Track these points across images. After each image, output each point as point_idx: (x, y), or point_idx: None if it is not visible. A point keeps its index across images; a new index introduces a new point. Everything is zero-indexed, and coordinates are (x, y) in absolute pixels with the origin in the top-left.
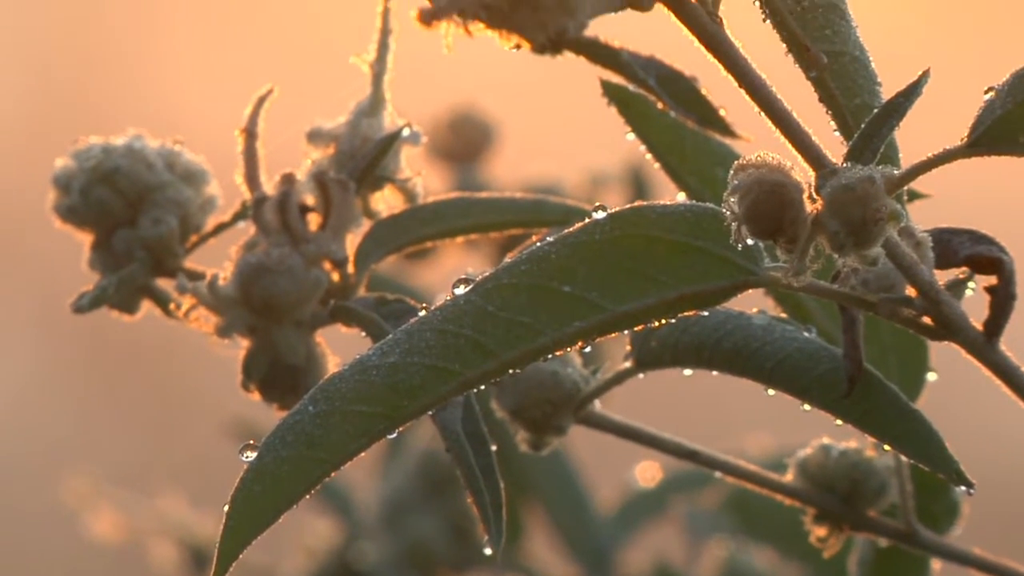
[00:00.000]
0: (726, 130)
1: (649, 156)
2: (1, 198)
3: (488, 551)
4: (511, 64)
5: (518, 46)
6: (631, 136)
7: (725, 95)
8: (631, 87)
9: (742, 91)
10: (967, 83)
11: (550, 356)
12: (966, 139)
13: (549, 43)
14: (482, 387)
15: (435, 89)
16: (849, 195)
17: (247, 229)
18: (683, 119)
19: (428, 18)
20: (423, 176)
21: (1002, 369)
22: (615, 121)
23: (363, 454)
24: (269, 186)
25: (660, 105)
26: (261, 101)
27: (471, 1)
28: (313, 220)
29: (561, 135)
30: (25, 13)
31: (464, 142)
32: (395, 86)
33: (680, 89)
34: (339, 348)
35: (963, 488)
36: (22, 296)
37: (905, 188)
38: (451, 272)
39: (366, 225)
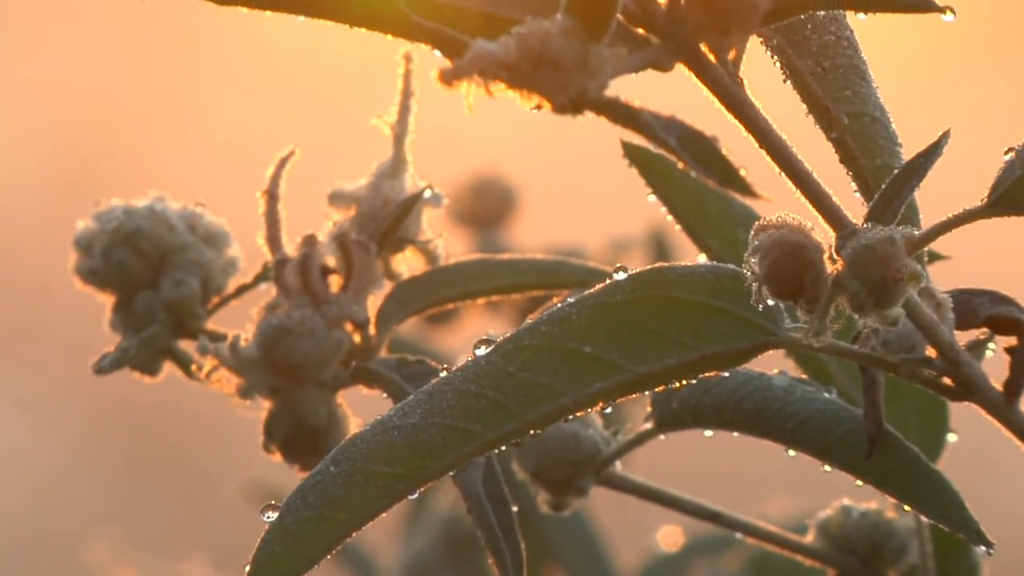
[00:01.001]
0: (746, 190)
1: (670, 217)
2: (27, 262)
3: None
4: (533, 126)
5: (539, 106)
6: (652, 197)
7: (746, 155)
8: (652, 148)
9: (763, 151)
10: (987, 144)
11: (571, 417)
12: (986, 199)
13: (570, 103)
14: (503, 448)
15: (457, 152)
16: (869, 255)
17: (269, 291)
18: (704, 179)
19: (449, 78)
20: (444, 238)
21: (1022, 429)
22: (637, 182)
23: (384, 516)
24: (291, 248)
25: (681, 165)
26: (283, 163)
27: (491, 61)
28: (335, 281)
29: (583, 198)
30: (49, 74)
31: (486, 207)
32: (417, 148)
33: (701, 149)
34: (361, 409)
35: (983, 548)
36: (45, 362)
37: (925, 249)
38: (473, 336)
39: (387, 286)
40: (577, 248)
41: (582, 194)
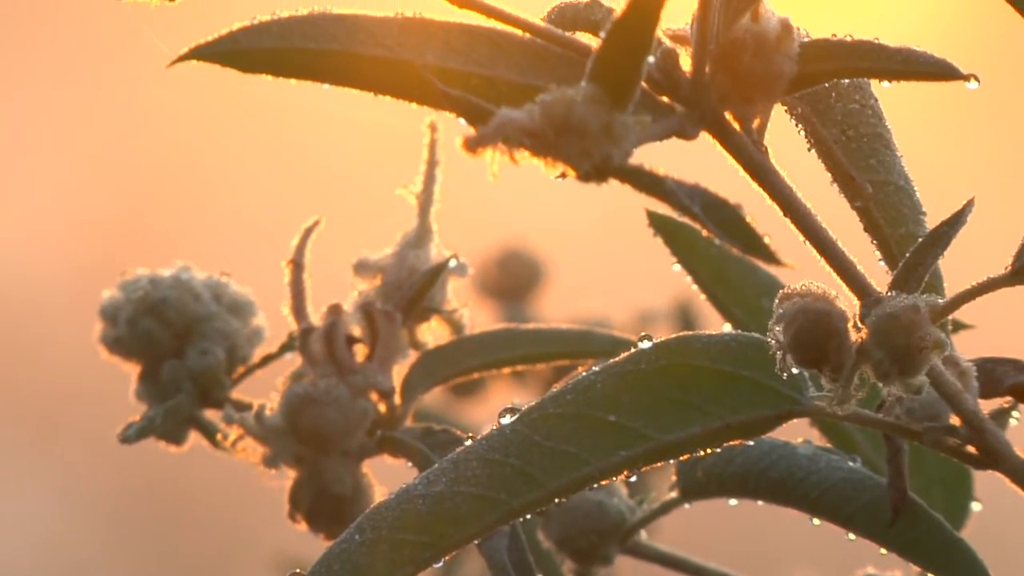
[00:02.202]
0: (771, 257)
1: (695, 287)
2: (55, 332)
3: None
4: (558, 196)
5: (563, 175)
6: (677, 266)
7: (770, 223)
8: (677, 217)
9: (787, 219)
10: (1011, 212)
11: (596, 486)
12: (1009, 268)
13: (594, 171)
14: (528, 516)
15: (483, 222)
16: (894, 323)
17: (294, 360)
18: (728, 247)
19: (473, 145)
20: (470, 307)
21: None
22: (662, 251)
23: None
24: (316, 317)
25: (705, 233)
26: (308, 232)
27: (516, 128)
28: (360, 351)
29: (610, 269)
30: (73, 143)
31: (513, 280)
32: (442, 218)
33: (725, 217)
34: (386, 479)
35: None
36: (65, 431)
37: (949, 317)
38: (498, 406)
39: (413, 356)
40: (603, 320)
41: (608, 265)
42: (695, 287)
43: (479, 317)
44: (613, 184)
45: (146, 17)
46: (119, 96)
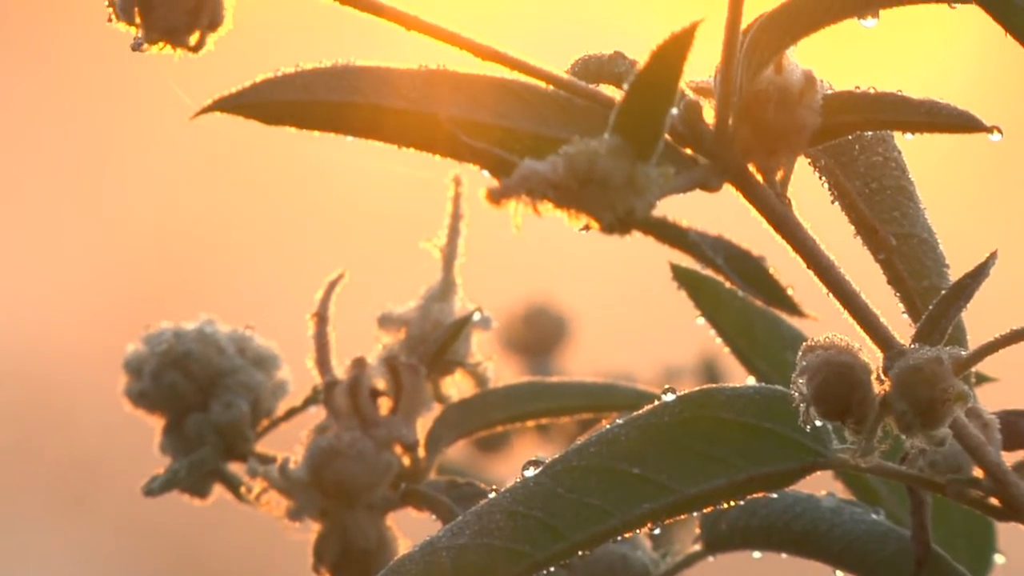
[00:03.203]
0: (794, 309)
1: (719, 340)
2: (83, 401)
3: None
4: (582, 249)
5: (587, 227)
6: (701, 320)
7: (793, 274)
8: (701, 271)
9: (811, 272)
10: None
11: (620, 538)
12: None
13: (617, 223)
14: (552, 569)
15: (507, 275)
16: (917, 375)
17: (318, 414)
18: (752, 301)
19: (496, 197)
20: (494, 360)
21: None
22: (687, 304)
23: None
24: (340, 370)
25: (728, 285)
26: (332, 286)
27: (539, 180)
28: (384, 404)
29: (634, 323)
30: (99, 197)
31: (539, 336)
32: (466, 271)
33: (748, 268)
34: (410, 531)
35: None
36: (94, 495)
37: (972, 369)
38: (523, 460)
39: (437, 409)
40: (629, 375)
41: (633, 319)
42: (719, 340)
43: (505, 372)
44: (636, 236)
45: (169, 69)
46: (140, 149)
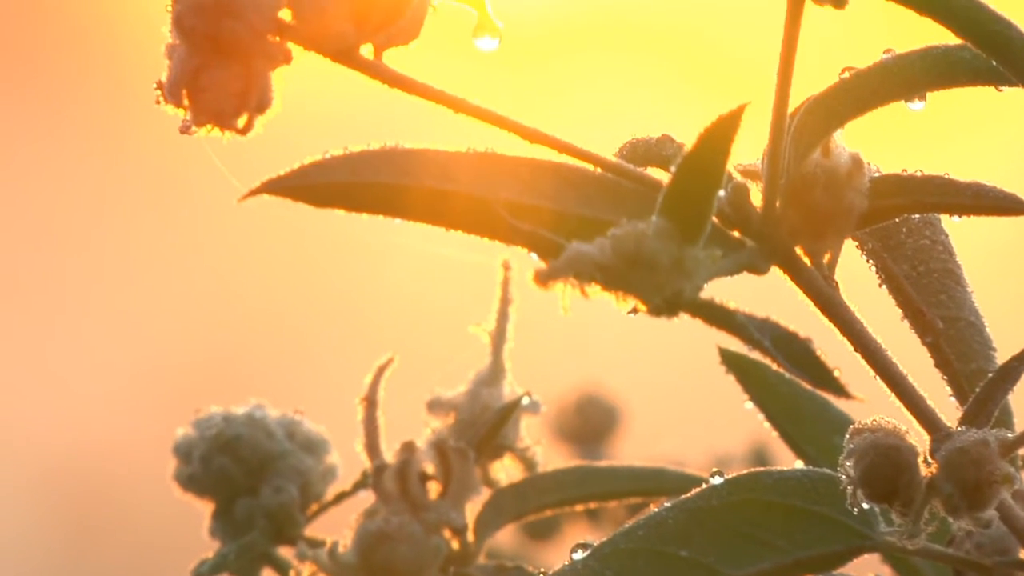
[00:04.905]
0: (840, 391)
1: (767, 424)
2: (140, 491)
3: None
4: (631, 333)
5: (635, 309)
6: (749, 404)
7: (840, 357)
8: (749, 354)
9: (858, 354)
10: None
11: None
12: None
13: (665, 305)
14: None
15: (556, 360)
16: (963, 458)
17: (367, 498)
18: (800, 385)
19: (544, 279)
20: (543, 446)
21: None
22: (736, 388)
23: None
24: (389, 454)
25: (775, 367)
26: (381, 370)
27: (587, 262)
28: (433, 488)
29: (684, 409)
30: (149, 286)
31: (589, 425)
32: (514, 355)
33: (795, 350)
34: None
35: None
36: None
37: (1019, 452)
38: (571, 546)
39: (486, 493)
40: (679, 463)
41: (683, 405)
42: (767, 424)
43: (556, 460)
44: (684, 318)
45: (218, 151)
46: (189, 232)
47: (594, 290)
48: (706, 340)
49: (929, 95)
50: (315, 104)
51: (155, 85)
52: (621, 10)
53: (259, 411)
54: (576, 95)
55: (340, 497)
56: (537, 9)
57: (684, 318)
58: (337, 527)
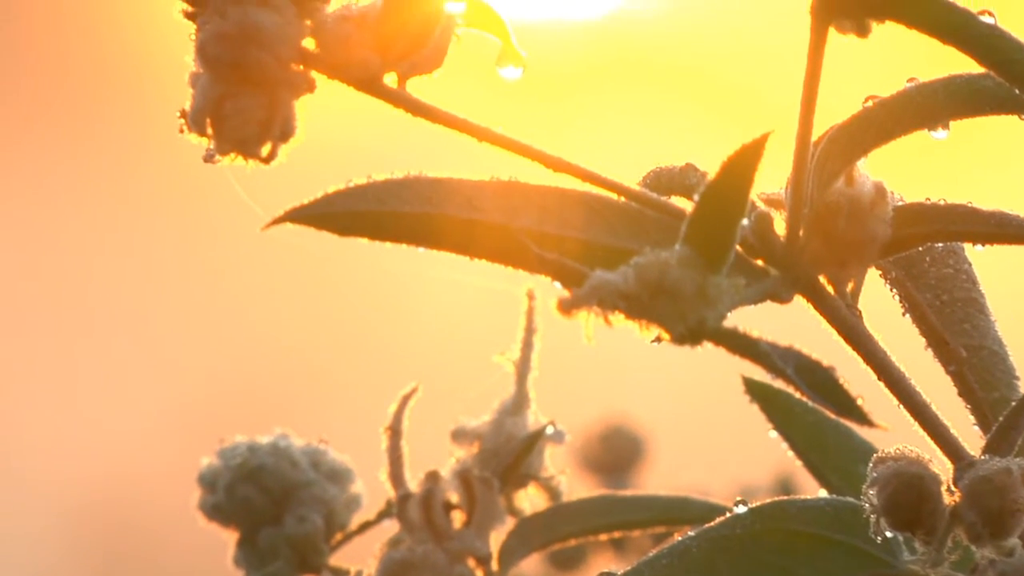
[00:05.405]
0: (864, 419)
1: (791, 453)
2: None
3: None
4: (655, 362)
5: (658, 338)
6: (773, 434)
7: (864, 385)
8: (772, 383)
9: (881, 383)
10: None
11: None
12: None
13: (688, 334)
14: None
15: (580, 389)
16: (987, 486)
17: (391, 527)
18: (823, 415)
19: (568, 307)
20: (567, 475)
21: None
22: (760, 417)
23: None
24: (414, 483)
25: (799, 395)
26: (405, 399)
27: (610, 291)
28: (457, 517)
29: (709, 437)
30: (174, 318)
31: (615, 455)
32: (539, 384)
33: (818, 379)
34: None
35: None
36: None
37: None
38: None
39: (510, 523)
40: (704, 493)
41: (708, 433)
42: (791, 454)
43: (581, 491)
44: (708, 347)
45: (241, 179)
46: (212, 263)
47: (618, 318)
48: (730, 369)
49: (952, 123)
50: (339, 133)
51: (179, 114)
52: (645, 45)
53: (283, 440)
54: (600, 130)
55: (364, 526)
56: (561, 45)
57: (707, 347)
58: (361, 556)
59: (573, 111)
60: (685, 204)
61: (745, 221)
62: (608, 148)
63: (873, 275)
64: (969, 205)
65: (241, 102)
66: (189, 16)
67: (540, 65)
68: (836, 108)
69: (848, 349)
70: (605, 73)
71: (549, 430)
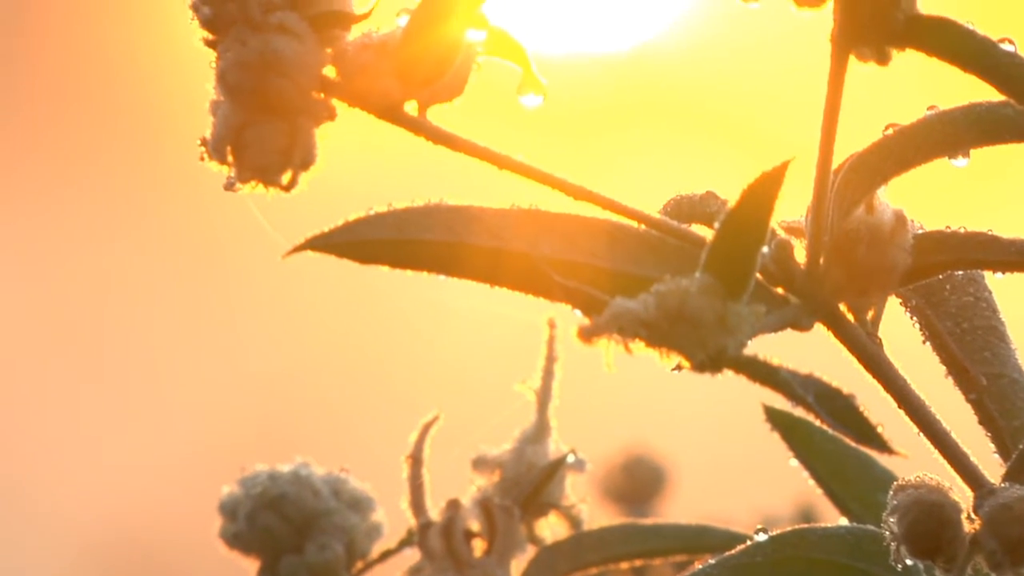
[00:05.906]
0: (884, 447)
1: (811, 481)
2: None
3: None
4: (676, 390)
5: (679, 366)
6: (794, 462)
7: (884, 413)
8: (793, 412)
9: (901, 411)
10: None
11: None
12: None
13: (709, 361)
14: None
15: (601, 418)
16: (1007, 514)
17: (413, 556)
18: (844, 443)
19: (588, 335)
20: (588, 503)
21: None
22: (781, 445)
23: None
24: (435, 512)
25: (819, 423)
26: (426, 428)
27: (631, 319)
28: (478, 546)
29: (730, 465)
30: (195, 348)
31: (637, 485)
32: (560, 413)
33: (838, 407)
34: None
35: None
36: None
37: None
38: None
39: (531, 551)
40: (726, 523)
41: (729, 462)
42: (812, 482)
43: (602, 521)
44: (728, 375)
45: (262, 207)
46: (232, 293)
47: (638, 346)
48: (751, 397)
49: (973, 152)
50: (359, 161)
51: (199, 142)
52: (668, 80)
53: (305, 469)
54: (622, 164)
55: (385, 555)
56: (584, 79)
57: (728, 375)
58: None
59: (595, 145)
60: (705, 232)
61: (765, 249)
62: (630, 182)
63: (893, 303)
64: (989, 233)
65: (262, 130)
66: (210, 44)
67: (564, 99)
68: (856, 136)
69: (868, 377)
70: (628, 108)
71: (570, 458)
